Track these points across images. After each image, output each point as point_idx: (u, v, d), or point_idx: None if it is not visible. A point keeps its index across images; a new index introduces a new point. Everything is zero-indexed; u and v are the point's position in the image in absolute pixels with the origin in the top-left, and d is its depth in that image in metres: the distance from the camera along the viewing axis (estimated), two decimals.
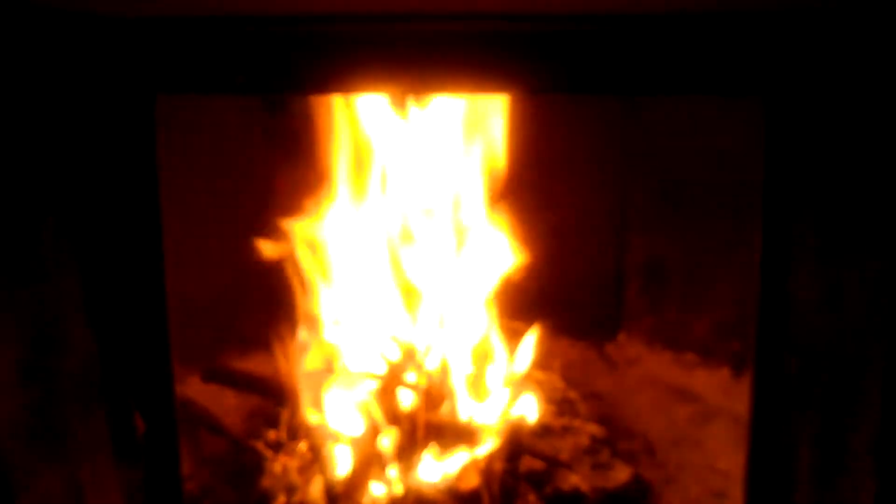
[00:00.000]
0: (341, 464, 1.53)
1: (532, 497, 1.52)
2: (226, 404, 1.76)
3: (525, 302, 1.85)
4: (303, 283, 1.71)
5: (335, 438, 1.56)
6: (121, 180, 1.16)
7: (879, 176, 1.16)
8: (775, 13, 1.04)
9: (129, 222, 1.17)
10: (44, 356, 1.24)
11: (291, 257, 1.71)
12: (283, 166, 1.75)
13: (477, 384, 1.65)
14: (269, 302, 1.76)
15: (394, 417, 1.54)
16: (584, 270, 2.02)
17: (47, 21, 1.04)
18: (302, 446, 1.59)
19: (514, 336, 1.80)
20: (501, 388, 1.66)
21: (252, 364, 1.82)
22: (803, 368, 1.22)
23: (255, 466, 1.61)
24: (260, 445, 1.64)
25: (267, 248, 1.73)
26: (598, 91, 1.25)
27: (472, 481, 1.50)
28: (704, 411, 1.75)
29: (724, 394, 1.72)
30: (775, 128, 1.13)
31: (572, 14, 1.02)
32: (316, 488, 1.52)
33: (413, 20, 0.98)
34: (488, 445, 1.54)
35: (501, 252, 1.73)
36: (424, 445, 1.52)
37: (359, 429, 1.55)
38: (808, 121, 1.13)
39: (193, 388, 1.70)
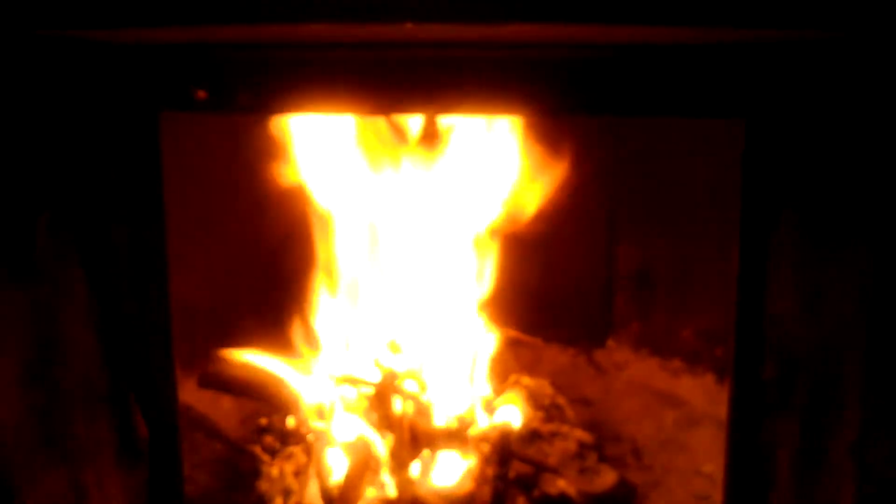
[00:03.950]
0: (337, 468, 1.53)
1: (521, 500, 1.52)
2: (222, 409, 1.76)
3: (517, 310, 1.90)
4: (299, 290, 1.73)
5: (331, 443, 1.56)
6: (128, 191, 1.18)
7: (852, 192, 1.19)
8: (756, 46, 1.09)
9: (135, 232, 1.19)
10: (48, 361, 1.24)
11: (287, 264, 1.73)
12: (279, 176, 1.73)
13: (468, 391, 1.66)
14: (265, 308, 1.78)
15: (388, 423, 1.55)
16: (574, 280, 2.04)
17: (66, 48, 1.06)
18: (298, 450, 1.59)
19: (507, 343, 1.83)
20: (492, 395, 1.68)
21: (248, 369, 1.79)
22: (781, 375, 1.25)
23: (252, 470, 1.61)
24: (257, 450, 1.65)
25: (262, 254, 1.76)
26: (598, 113, 1.28)
27: (465, 485, 1.50)
28: (690, 416, 1.76)
29: (709, 399, 1.74)
30: (754, 147, 1.17)
31: (578, 44, 1.06)
32: (312, 492, 1.52)
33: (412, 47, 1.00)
34: (480, 451, 1.54)
35: (491, 262, 1.75)
36: (418, 451, 1.53)
37: (354, 434, 1.56)
38: (784, 141, 1.17)
39: (190, 393, 1.69)
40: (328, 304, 1.73)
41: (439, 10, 0.88)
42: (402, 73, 1.06)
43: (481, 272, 1.76)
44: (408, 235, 1.70)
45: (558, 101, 1.12)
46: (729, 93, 1.14)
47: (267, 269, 1.82)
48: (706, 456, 1.64)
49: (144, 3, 0.96)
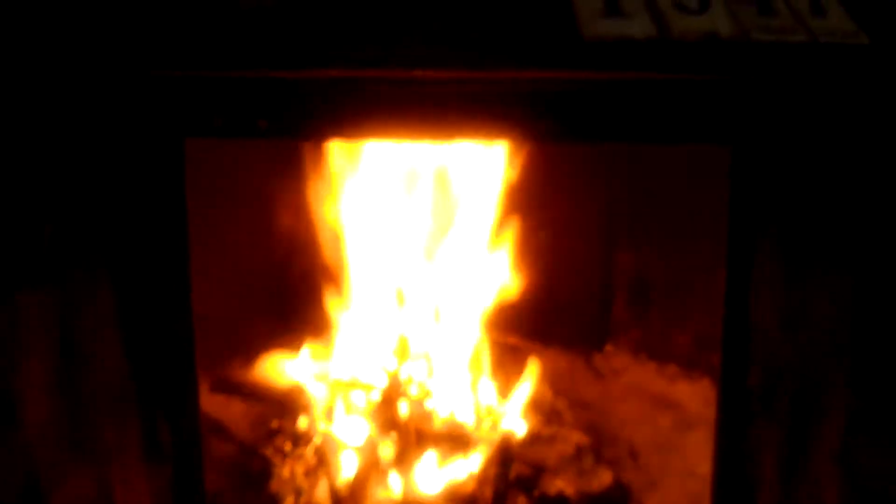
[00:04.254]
0: (345, 469, 1.56)
1: (521, 500, 1.55)
2: (233, 413, 1.79)
3: (518, 316, 1.90)
4: (308, 298, 1.75)
5: (340, 445, 1.59)
6: (154, 208, 1.22)
7: (832, 215, 1.24)
8: (741, 81, 1.13)
9: (160, 246, 1.23)
10: (75, 366, 1.29)
11: (297, 274, 1.77)
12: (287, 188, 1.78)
13: (471, 395, 1.69)
14: (275, 315, 1.83)
15: (394, 426, 1.58)
16: (574, 286, 2.05)
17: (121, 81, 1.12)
18: (308, 452, 1.62)
19: (507, 349, 1.87)
20: (494, 399, 1.71)
21: (258, 374, 1.84)
22: (765, 382, 1.29)
23: (264, 471, 1.64)
24: (268, 451, 1.67)
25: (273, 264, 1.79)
26: (592, 140, 1.32)
27: (467, 486, 1.54)
28: (685, 419, 1.79)
29: (704, 403, 1.74)
30: (740, 172, 1.21)
31: (580, 79, 1.11)
32: (322, 491, 1.55)
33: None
34: (482, 453, 1.57)
35: (496, 269, 1.79)
36: (422, 452, 1.56)
37: (361, 436, 1.59)
38: (767, 167, 1.21)
39: (202, 398, 1.69)
40: (336, 312, 1.75)
41: (442, 60, 0.94)
42: (410, 104, 1.10)
43: (485, 281, 1.79)
44: (414, 247, 1.74)
45: (557, 128, 1.16)
46: (716, 121, 1.18)
47: (278, 279, 1.85)
48: (701, 458, 1.59)
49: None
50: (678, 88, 1.13)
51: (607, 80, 1.06)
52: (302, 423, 1.68)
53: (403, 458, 1.55)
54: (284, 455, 1.65)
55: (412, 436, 1.57)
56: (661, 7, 1.04)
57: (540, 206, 1.95)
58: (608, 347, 2.09)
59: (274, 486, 1.59)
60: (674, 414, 1.83)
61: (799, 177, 1.22)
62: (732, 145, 1.20)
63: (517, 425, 1.64)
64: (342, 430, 1.62)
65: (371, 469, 1.54)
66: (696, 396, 1.83)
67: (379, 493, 1.54)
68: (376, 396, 1.62)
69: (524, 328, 1.99)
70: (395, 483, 1.54)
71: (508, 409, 1.68)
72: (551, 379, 1.90)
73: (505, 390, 1.74)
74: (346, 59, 0.95)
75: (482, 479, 1.54)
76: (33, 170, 1.23)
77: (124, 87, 1.13)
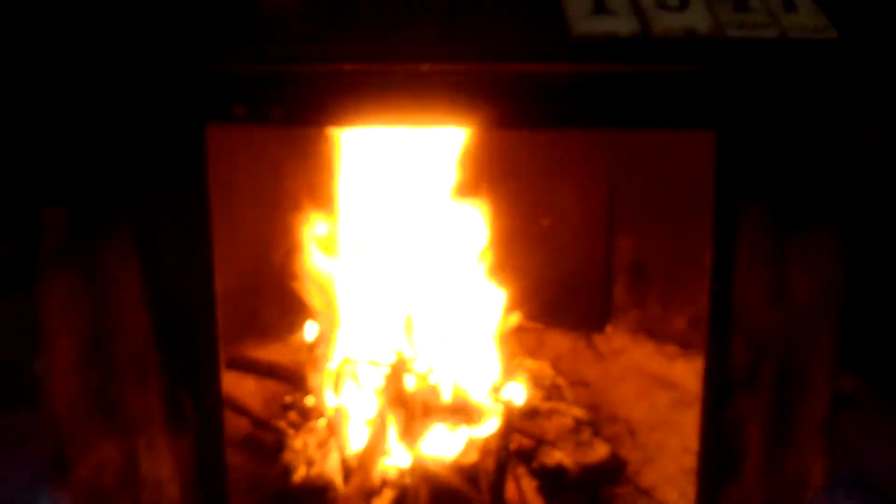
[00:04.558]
0: (355, 440, 1.60)
1: (522, 470, 1.59)
2: (246, 390, 1.83)
3: (523, 298, 1.91)
4: (317, 279, 1.78)
5: (350, 418, 1.62)
6: (179, 193, 1.27)
7: (813, 196, 1.30)
8: (723, 72, 1.20)
9: (185, 227, 1.28)
10: (104, 341, 1.34)
11: (306, 253, 1.78)
12: (298, 174, 1.82)
13: (475, 371, 1.72)
14: (287, 295, 1.82)
15: (401, 400, 1.60)
16: (576, 269, 2.11)
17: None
18: (320, 425, 1.65)
19: (511, 328, 1.87)
20: (497, 375, 1.74)
21: (270, 352, 1.91)
22: (749, 358, 1.34)
23: (277, 444, 1.67)
24: (282, 425, 1.71)
25: (283, 245, 1.78)
26: (588, 125, 1.38)
27: (471, 456, 1.57)
28: (682, 398, 1.82)
29: (701, 382, 1.75)
30: (724, 155, 1.27)
31: (573, 72, 1.17)
32: (332, 462, 1.58)
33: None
34: (485, 426, 1.60)
35: (502, 254, 1.81)
36: (428, 425, 1.59)
37: (370, 410, 1.62)
38: (750, 150, 1.27)
39: None
40: (345, 292, 1.78)
41: (446, 54, 1.01)
42: (412, 91, 1.16)
43: (490, 263, 1.82)
44: (421, 228, 1.76)
45: (555, 114, 1.23)
46: (698, 108, 1.23)
47: (287, 261, 1.84)
48: (696, 435, 1.61)
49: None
50: (662, 79, 1.18)
51: (598, 73, 1.12)
52: (313, 398, 1.72)
53: (410, 431, 1.58)
54: (297, 428, 1.69)
55: (418, 409, 1.60)
56: (644, 5, 1.09)
57: (543, 193, 2.03)
58: (608, 328, 2.14)
59: (287, 456, 1.62)
60: (671, 392, 1.86)
61: (778, 156, 1.27)
62: (717, 129, 1.25)
63: (517, 400, 1.66)
64: (352, 404, 1.66)
65: (379, 441, 1.58)
66: (693, 375, 1.76)
67: (386, 463, 1.57)
68: (385, 372, 1.65)
69: (528, 310, 1.98)
70: (401, 453, 1.58)
71: (510, 386, 1.71)
72: (554, 358, 1.98)
73: (508, 368, 1.78)
74: (357, 55, 1.02)
75: (485, 450, 1.57)
76: (70, 152, 1.28)
77: (156, 79, 1.19)
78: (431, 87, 1.14)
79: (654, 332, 2.06)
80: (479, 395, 1.67)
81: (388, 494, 1.53)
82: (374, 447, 1.57)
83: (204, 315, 1.31)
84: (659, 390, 1.89)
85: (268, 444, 1.72)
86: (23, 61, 1.20)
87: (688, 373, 1.88)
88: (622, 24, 1.08)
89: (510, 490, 1.53)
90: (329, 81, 1.16)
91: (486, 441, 1.59)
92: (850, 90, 1.22)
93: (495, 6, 1.09)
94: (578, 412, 1.73)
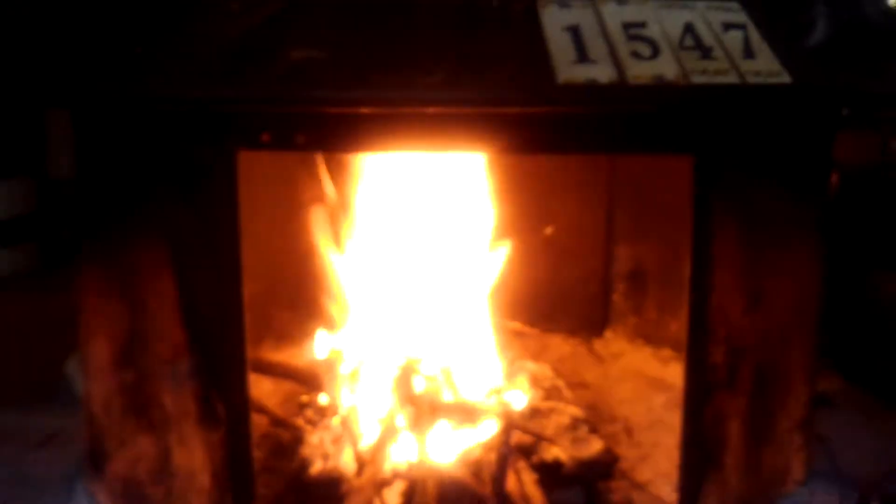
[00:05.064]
0: (367, 436, 1.64)
1: (521, 465, 1.62)
2: (264, 390, 1.85)
3: (525, 304, 2.04)
4: (330, 284, 1.84)
5: (362, 416, 1.67)
6: (211, 211, 1.35)
7: (784, 207, 1.39)
8: (700, 102, 1.30)
9: (217, 238, 1.35)
10: (139, 346, 1.41)
11: (320, 260, 1.84)
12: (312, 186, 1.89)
13: (480, 373, 1.77)
14: (300, 302, 1.91)
15: (410, 399, 1.65)
16: (576, 277, 2.17)
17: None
18: (335, 422, 1.70)
19: (513, 333, 1.98)
20: (500, 377, 1.80)
21: (285, 355, 1.95)
22: (728, 358, 1.41)
23: (293, 442, 1.72)
24: (299, 422, 1.76)
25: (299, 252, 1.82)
26: (578, 151, 1.50)
27: (474, 452, 1.61)
28: (676, 398, 1.72)
29: None
30: (700, 177, 1.37)
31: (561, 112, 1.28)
32: (346, 456, 1.62)
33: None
34: (488, 424, 1.64)
35: (505, 261, 1.86)
36: (435, 423, 1.63)
37: (381, 408, 1.67)
38: (723, 172, 1.37)
39: None
40: (357, 298, 1.83)
41: (450, 99, 1.12)
42: (422, 127, 1.27)
43: (494, 271, 1.86)
44: (428, 239, 1.81)
45: (549, 143, 1.33)
46: (677, 137, 1.33)
47: (302, 268, 1.91)
48: None
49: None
50: (639, 115, 1.28)
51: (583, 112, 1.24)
52: (328, 397, 1.77)
53: (418, 428, 1.62)
54: (313, 425, 1.74)
55: (426, 408, 1.64)
56: (621, 55, 1.19)
57: (547, 204, 2.09)
58: (608, 334, 2.19)
59: (305, 451, 1.66)
60: (666, 393, 1.89)
61: (749, 176, 1.36)
62: (693, 154, 1.34)
63: (519, 400, 1.71)
64: (365, 403, 1.70)
65: (390, 436, 1.62)
66: None
67: (396, 457, 1.61)
68: (395, 374, 1.70)
69: (531, 316, 2.11)
70: (410, 448, 1.62)
71: (512, 387, 1.76)
72: (555, 362, 2.02)
73: (510, 370, 1.83)
74: (373, 100, 1.13)
75: (487, 446, 1.61)
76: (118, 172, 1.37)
77: (196, 117, 1.29)
78: (438, 125, 1.25)
79: (650, 336, 2.09)
80: (482, 396, 1.72)
81: (398, 486, 1.57)
82: (385, 442, 1.62)
83: (234, 321, 1.37)
84: (654, 391, 1.92)
85: (285, 440, 1.76)
86: (98, 102, 1.32)
87: (682, 375, 1.86)
88: (601, 72, 1.18)
89: (511, 483, 1.57)
90: (348, 119, 1.26)
91: (489, 438, 1.62)
92: (804, 123, 1.32)
93: (494, 56, 1.18)
94: (575, 411, 1.76)
